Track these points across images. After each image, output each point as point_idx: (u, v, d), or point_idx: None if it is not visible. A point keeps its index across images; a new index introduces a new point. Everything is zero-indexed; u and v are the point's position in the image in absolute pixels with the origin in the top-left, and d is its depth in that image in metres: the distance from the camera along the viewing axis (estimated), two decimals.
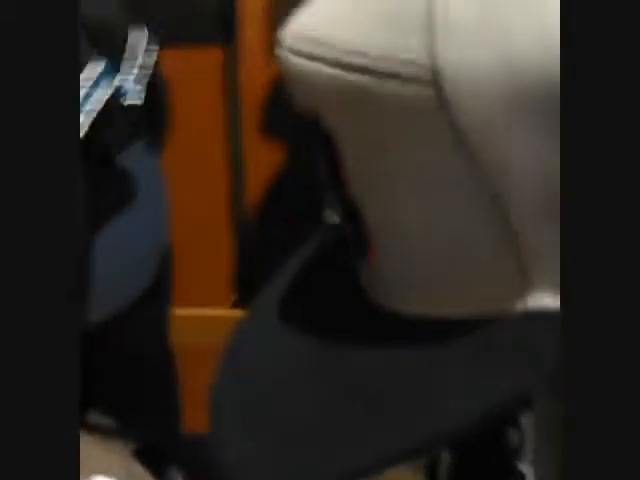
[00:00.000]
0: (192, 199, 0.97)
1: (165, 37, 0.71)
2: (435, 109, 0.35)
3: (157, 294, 0.70)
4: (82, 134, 0.56)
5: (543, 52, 0.34)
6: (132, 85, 0.61)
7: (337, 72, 0.37)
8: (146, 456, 0.76)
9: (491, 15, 0.35)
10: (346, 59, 0.36)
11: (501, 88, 0.35)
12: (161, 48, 0.69)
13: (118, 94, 0.59)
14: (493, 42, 0.35)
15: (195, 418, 0.84)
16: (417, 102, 0.36)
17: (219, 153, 1.02)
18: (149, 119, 0.65)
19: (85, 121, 0.56)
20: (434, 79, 0.35)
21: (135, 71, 0.62)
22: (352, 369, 0.39)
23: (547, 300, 0.36)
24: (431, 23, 0.35)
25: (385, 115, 0.37)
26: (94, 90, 0.57)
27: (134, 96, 0.62)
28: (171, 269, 0.74)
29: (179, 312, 0.81)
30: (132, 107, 0.62)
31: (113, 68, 0.60)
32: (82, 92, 0.55)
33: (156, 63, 0.63)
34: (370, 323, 0.40)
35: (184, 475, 0.82)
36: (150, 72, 0.62)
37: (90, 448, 0.61)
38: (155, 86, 0.63)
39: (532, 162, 0.36)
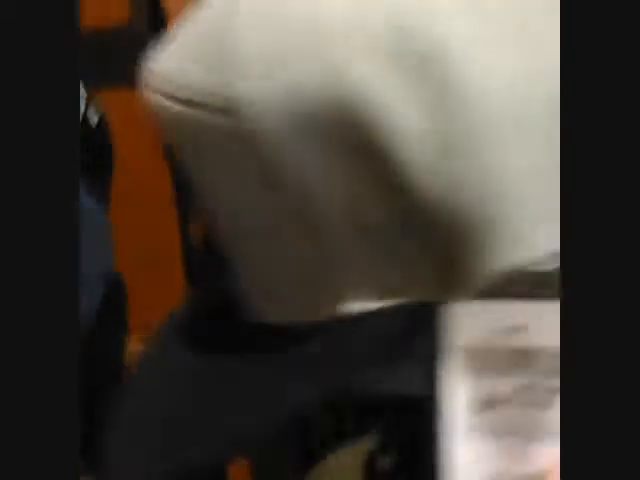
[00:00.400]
0: (142, 232, 0.99)
1: (104, 78, 0.72)
2: (238, 140, 0.38)
3: (110, 325, 0.71)
4: None
5: (324, 83, 0.36)
6: None
7: (170, 105, 0.40)
8: None
9: (276, 49, 0.38)
10: (177, 93, 0.40)
11: (291, 118, 0.37)
12: (100, 90, 0.71)
13: None
14: (279, 74, 0.37)
15: None
16: (222, 133, 0.39)
17: (166, 183, 1.04)
18: (89, 162, 0.67)
19: None
20: (233, 110, 0.38)
21: None
22: (220, 376, 0.43)
23: (355, 306, 0.40)
24: (225, 57, 0.38)
25: (203, 146, 0.40)
26: None
27: None
28: (123, 300, 0.75)
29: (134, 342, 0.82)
30: None
31: None
32: None
33: (87, 107, 0.65)
34: (240, 336, 0.44)
35: None
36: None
37: None
38: (94, 129, 0.65)
39: (335, 188, 0.38)
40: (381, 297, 0.40)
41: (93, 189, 0.71)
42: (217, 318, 0.45)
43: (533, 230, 0.37)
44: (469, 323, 0.37)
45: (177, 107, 0.39)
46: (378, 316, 0.40)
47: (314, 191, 0.38)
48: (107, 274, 0.71)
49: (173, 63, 0.41)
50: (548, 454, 0.36)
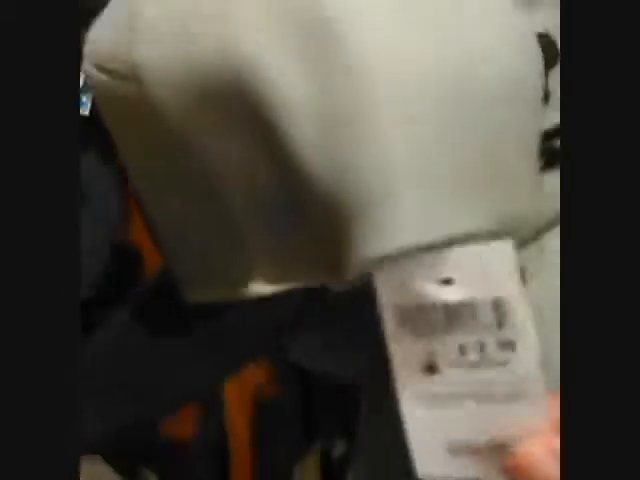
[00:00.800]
0: None
1: None
2: (144, 108, 0.38)
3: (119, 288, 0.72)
4: None
5: (219, 52, 0.36)
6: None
7: (94, 73, 0.40)
8: (119, 456, 0.77)
9: (177, 16, 0.37)
10: (96, 60, 0.40)
11: (189, 85, 0.37)
12: None
13: None
14: (179, 40, 0.37)
15: (172, 423, 0.86)
16: (130, 101, 0.38)
17: None
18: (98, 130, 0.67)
19: None
20: (137, 76, 0.37)
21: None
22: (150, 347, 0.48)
23: (265, 288, 0.40)
24: (129, 23, 0.38)
25: (117, 116, 0.41)
26: None
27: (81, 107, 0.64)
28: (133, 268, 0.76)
29: None
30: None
31: None
32: None
33: None
34: (171, 314, 0.47)
35: (158, 477, 0.83)
36: None
37: None
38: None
39: (232, 157, 0.38)
40: (277, 280, 0.40)
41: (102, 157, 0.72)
42: (162, 297, 0.48)
43: (405, 219, 0.35)
44: (397, 284, 0.34)
45: (98, 75, 0.40)
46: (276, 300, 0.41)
47: (215, 159, 0.38)
48: (112, 236, 0.72)
49: (97, 30, 0.41)
50: (508, 419, 0.32)
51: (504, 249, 0.33)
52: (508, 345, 0.32)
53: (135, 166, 0.43)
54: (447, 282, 0.33)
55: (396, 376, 0.34)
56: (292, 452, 0.78)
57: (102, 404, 0.49)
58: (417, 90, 0.35)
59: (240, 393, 0.82)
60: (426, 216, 0.34)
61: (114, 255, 0.76)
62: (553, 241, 0.42)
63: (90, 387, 0.48)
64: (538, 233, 0.42)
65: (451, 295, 0.33)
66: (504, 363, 0.32)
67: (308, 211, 0.38)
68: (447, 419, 0.34)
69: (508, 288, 0.32)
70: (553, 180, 0.40)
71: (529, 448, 0.32)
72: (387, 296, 0.34)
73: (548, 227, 0.42)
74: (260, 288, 0.41)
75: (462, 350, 0.33)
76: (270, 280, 0.41)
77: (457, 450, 0.34)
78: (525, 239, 0.42)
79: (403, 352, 0.34)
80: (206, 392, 0.47)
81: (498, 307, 0.32)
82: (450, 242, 0.34)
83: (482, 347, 0.33)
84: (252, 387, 0.82)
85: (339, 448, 0.61)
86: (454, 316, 0.33)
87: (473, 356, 0.33)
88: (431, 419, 0.34)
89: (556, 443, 0.31)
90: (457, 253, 0.33)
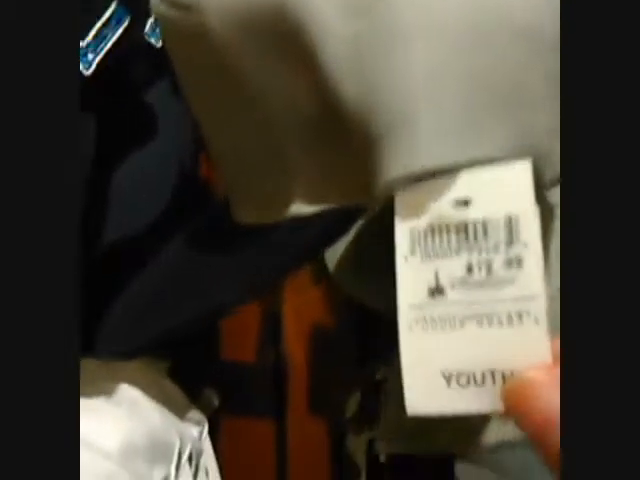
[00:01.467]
0: None
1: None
2: (199, 37, 0.40)
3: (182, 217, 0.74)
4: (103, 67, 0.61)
5: None
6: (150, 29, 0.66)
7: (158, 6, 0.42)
8: (182, 376, 0.79)
9: None
10: None
11: (236, 14, 0.39)
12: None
13: (136, 33, 0.64)
14: None
15: (234, 346, 0.89)
16: (188, 31, 0.41)
17: None
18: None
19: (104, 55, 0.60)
20: (193, 5, 0.40)
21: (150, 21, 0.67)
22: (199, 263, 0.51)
23: (304, 208, 0.43)
24: None
25: (180, 47, 0.43)
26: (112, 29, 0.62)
27: (153, 36, 0.66)
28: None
29: None
30: (152, 47, 0.67)
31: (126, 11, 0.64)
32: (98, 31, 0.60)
33: None
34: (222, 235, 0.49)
35: (220, 398, 0.86)
36: None
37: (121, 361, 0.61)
38: None
39: (278, 83, 0.40)
40: (315, 202, 0.42)
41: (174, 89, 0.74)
42: (215, 222, 0.50)
43: (425, 141, 0.35)
44: (413, 205, 0.34)
45: (161, 8, 0.42)
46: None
47: (263, 83, 0.41)
48: (180, 169, 0.74)
49: None
50: (510, 344, 0.32)
51: (522, 168, 0.33)
52: (515, 262, 0.33)
53: (194, 95, 0.46)
54: (463, 203, 0.34)
55: (398, 302, 0.34)
56: (347, 380, 0.80)
57: (154, 321, 0.52)
58: (445, 17, 0.36)
59: (298, 322, 0.85)
60: (446, 139, 0.35)
61: (182, 187, 0.78)
62: None
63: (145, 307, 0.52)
64: None
65: (465, 214, 0.34)
66: (510, 281, 0.33)
67: (342, 133, 0.39)
68: (445, 344, 0.33)
69: (522, 205, 0.33)
70: None
71: (530, 376, 0.31)
72: (402, 219, 0.35)
73: None
74: (300, 208, 0.43)
75: (469, 269, 0.33)
76: (309, 201, 0.43)
77: (454, 380, 0.33)
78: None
79: (409, 276, 0.34)
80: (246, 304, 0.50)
81: (510, 223, 0.33)
82: (469, 165, 0.34)
83: (489, 266, 0.33)
84: (310, 317, 0.84)
85: (381, 373, 0.62)
86: (466, 236, 0.34)
87: (479, 275, 0.33)
88: (428, 345, 0.33)
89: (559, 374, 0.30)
90: (474, 173, 0.34)
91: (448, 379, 0.33)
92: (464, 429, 0.49)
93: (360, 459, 0.60)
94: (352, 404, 0.70)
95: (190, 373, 0.81)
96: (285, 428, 0.86)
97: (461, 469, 0.51)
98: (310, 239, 0.45)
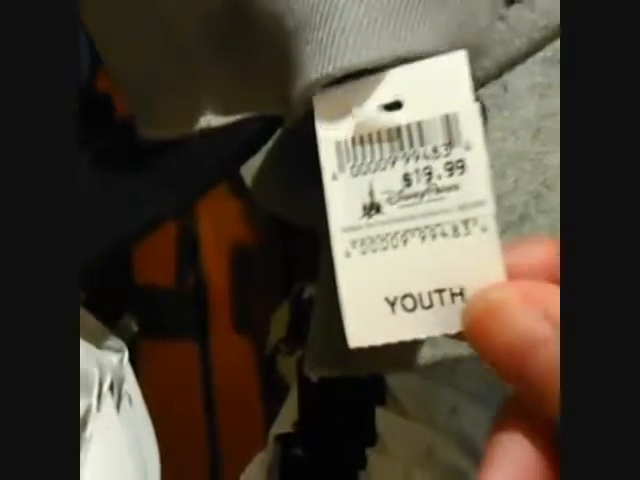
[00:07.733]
0: None
1: None
2: None
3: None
4: None
5: None
6: None
7: None
8: (98, 304, 0.77)
9: None
10: None
11: None
12: None
13: None
14: None
15: (151, 270, 0.86)
16: None
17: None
18: None
19: None
20: None
21: None
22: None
23: (215, 120, 0.39)
24: None
25: None
26: None
27: None
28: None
29: None
30: None
31: None
32: None
33: None
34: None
35: (139, 323, 0.84)
36: None
37: None
38: None
39: None
40: (227, 112, 0.38)
41: None
42: (118, 140, 0.46)
43: (346, 37, 0.30)
44: (337, 113, 0.30)
45: None
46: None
47: None
48: None
49: None
50: (458, 258, 0.28)
51: (457, 60, 0.29)
52: (457, 166, 0.29)
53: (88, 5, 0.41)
54: (393, 106, 0.30)
55: (330, 226, 0.30)
56: (270, 299, 0.78)
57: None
58: None
59: (217, 240, 0.81)
60: (369, 34, 0.31)
61: (81, 103, 0.73)
62: (518, 80, 0.40)
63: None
64: (501, 70, 0.40)
65: (397, 118, 0.30)
66: (453, 187, 0.29)
67: (254, 34, 0.35)
68: (387, 267, 0.30)
69: (460, 102, 0.29)
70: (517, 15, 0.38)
71: (498, 297, 0.27)
72: (324, 130, 0.30)
73: (511, 65, 0.39)
74: (211, 121, 0.39)
75: (407, 180, 0.30)
76: (220, 111, 0.39)
77: (398, 305, 0.30)
78: (489, 74, 0.39)
79: (340, 195, 0.30)
80: (160, 225, 0.45)
81: (449, 124, 0.29)
82: (398, 62, 0.31)
83: (428, 173, 0.29)
84: (230, 234, 0.81)
85: (308, 291, 0.60)
86: (399, 143, 0.30)
87: (418, 185, 0.29)
88: (368, 270, 0.30)
89: (537, 289, 0.27)
90: (404, 71, 0.30)
91: (392, 305, 0.29)
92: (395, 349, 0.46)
93: (291, 380, 0.58)
94: (281, 324, 0.67)
95: (106, 301, 0.79)
96: (209, 350, 0.83)
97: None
98: (226, 152, 0.41)
